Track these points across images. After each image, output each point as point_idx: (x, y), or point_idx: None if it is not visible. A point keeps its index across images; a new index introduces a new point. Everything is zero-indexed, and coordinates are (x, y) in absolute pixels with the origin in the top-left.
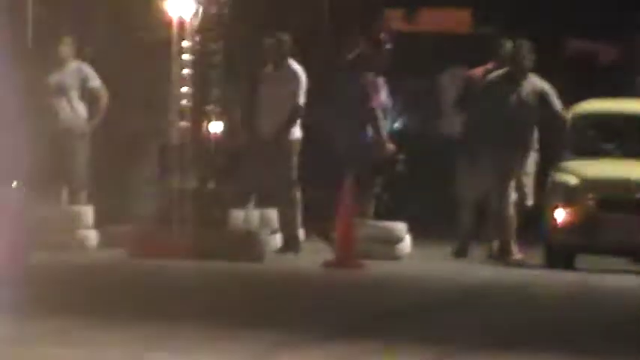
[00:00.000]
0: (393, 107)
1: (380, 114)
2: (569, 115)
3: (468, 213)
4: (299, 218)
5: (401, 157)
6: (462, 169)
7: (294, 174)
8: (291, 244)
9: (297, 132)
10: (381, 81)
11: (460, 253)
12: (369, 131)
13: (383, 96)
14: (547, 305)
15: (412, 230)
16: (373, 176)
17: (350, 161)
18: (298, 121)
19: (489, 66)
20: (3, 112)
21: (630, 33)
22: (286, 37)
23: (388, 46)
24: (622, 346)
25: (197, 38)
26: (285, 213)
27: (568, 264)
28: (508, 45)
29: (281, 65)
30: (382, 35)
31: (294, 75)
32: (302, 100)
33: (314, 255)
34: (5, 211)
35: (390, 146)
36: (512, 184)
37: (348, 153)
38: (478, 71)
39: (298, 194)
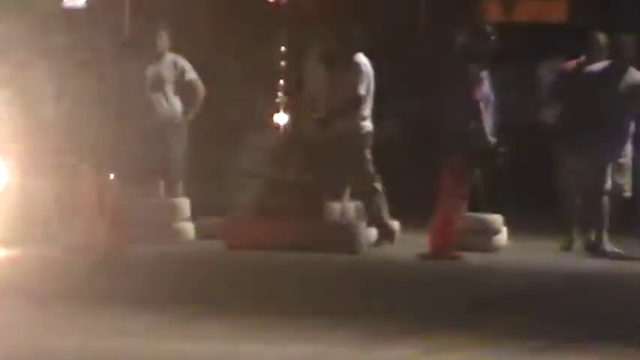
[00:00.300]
0: (496, 99)
1: (482, 106)
2: None
3: (570, 205)
4: (385, 208)
5: (502, 149)
6: (562, 160)
7: (368, 166)
8: (383, 233)
9: (366, 125)
10: (484, 73)
11: (565, 246)
12: (472, 123)
13: (486, 88)
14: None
15: (510, 223)
16: (472, 168)
17: (450, 152)
18: (366, 114)
19: (582, 59)
20: (104, 104)
21: None
22: (357, 32)
23: (493, 37)
24: None
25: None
26: (370, 205)
27: None
28: (601, 37)
29: (349, 60)
30: (488, 26)
31: (356, 67)
32: (362, 91)
33: (412, 246)
34: (105, 202)
35: (492, 139)
36: (609, 174)
37: (449, 144)
38: (571, 64)
39: (378, 185)
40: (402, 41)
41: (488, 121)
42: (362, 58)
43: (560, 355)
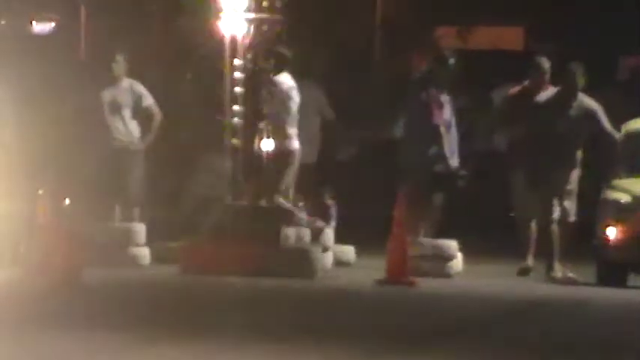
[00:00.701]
0: (459, 124)
1: (443, 130)
2: (621, 133)
3: (525, 230)
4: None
5: (463, 173)
6: (517, 186)
7: (280, 184)
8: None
9: (288, 144)
10: (445, 97)
11: (522, 272)
12: (433, 147)
13: (447, 112)
14: (595, 322)
15: (465, 247)
16: (430, 193)
17: (409, 176)
18: (289, 133)
19: (526, 84)
20: (60, 129)
21: None
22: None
23: (452, 62)
24: None
25: (248, 56)
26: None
27: (620, 281)
28: (544, 62)
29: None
30: (446, 51)
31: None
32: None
33: (368, 272)
34: (60, 228)
35: (454, 162)
36: (557, 201)
37: (408, 168)
38: (515, 90)
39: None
40: (359, 66)
41: (449, 145)
42: (281, 78)
43: None
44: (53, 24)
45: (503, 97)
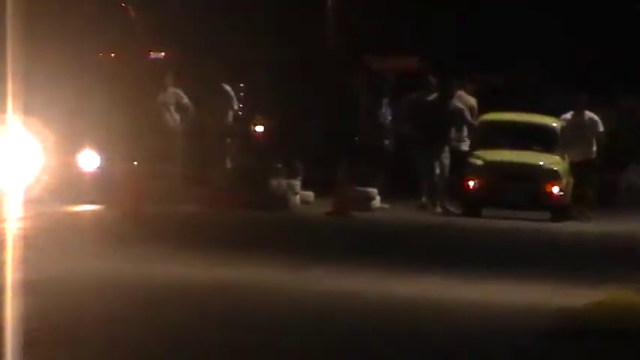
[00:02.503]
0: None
1: (382, 121)
2: (478, 121)
3: (423, 181)
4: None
5: (387, 143)
6: (416, 154)
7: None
8: None
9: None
10: (385, 101)
11: (420, 207)
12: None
13: (385, 110)
14: (457, 237)
15: (384, 193)
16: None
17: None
18: None
19: (419, 93)
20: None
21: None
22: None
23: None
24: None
25: None
26: None
27: (477, 214)
28: (431, 79)
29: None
30: (386, 74)
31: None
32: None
33: (321, 208)
34: (130, 178)
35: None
36: (437, 163)
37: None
38: (412, 97)
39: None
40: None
41: (386, 133)
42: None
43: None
44: (162, 54)
45: (406, 102)
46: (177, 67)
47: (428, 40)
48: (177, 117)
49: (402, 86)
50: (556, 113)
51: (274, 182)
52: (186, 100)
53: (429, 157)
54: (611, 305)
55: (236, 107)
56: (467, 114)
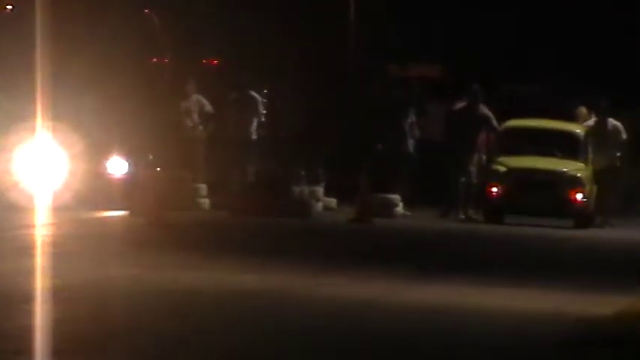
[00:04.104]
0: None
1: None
2: (501, 128)
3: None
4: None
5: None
6: (449, 161)
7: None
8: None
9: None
10: (411, 110)
11: (443, 215)
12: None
13: (411, 119)
14: (479, 244)
15: (408, 200)
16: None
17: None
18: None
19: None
20: (156, 127)
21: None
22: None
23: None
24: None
25: None
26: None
27: (500, 221)
28: (473, 87)
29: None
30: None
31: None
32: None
33: (344, 214)
34: (154, 184)
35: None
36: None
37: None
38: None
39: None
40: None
41: (410, 140)
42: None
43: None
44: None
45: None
46: (202, 74)
47: (451, 48)
48: (199, 123)
49: (426, 94)
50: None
51: (297, 189)
52: (209, 106)
53: (457, 163)
54: (632, 315)
55: (262, 113)
56: (494, 121)
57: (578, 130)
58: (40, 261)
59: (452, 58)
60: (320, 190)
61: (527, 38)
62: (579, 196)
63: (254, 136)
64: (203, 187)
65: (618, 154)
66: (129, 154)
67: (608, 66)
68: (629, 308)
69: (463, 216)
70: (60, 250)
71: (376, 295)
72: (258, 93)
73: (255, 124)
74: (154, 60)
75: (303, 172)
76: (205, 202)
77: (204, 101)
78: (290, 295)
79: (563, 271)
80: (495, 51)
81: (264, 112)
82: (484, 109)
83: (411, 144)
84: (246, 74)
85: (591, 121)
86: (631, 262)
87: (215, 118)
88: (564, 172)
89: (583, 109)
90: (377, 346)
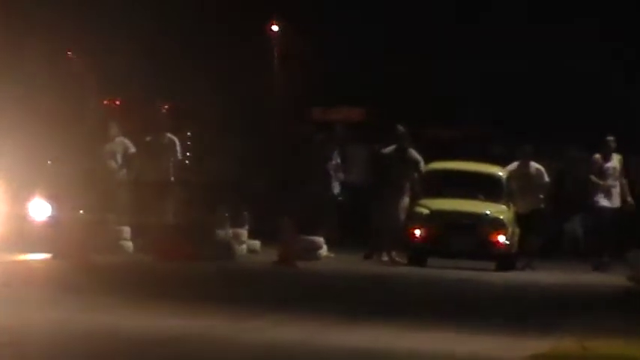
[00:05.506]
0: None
1: (332, 173)
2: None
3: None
4: None
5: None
6: (375, 204)
7: None
8: None
9: None
10: (334, 152)
11: (366, 257)
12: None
13: (335, 161)
14: (401, 287)
15: (330, 242)
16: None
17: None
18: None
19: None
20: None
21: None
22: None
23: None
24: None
25: None
26: None
27: (423, 263)
28: (399, 129)
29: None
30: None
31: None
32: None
33: (268, 257)
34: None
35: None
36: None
37: (295, 196)
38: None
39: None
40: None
41: (334, 182)
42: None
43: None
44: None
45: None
46: (124, 115)
47: (375, 91)
48: (123, 166)
49: (349, 136)
50: (503, 164)
51: (221, 232)
52: (133, 149)
53: (384, 206)
54: (553, 358)
55: (180, 157)
56: (423, 165)
57: (499, 172)
58: None
59: (374, 101)
60: (244, 232)
61: (452, 83)
62: (501, 239)
63: (173, 179)
64: (126, 230)
65: (541, 197)
66: (52, 197)
67: (533, 112)
68: (550, 351)
69: (387, 258)
70: None
71: (301, 339)
72: (181, 135)
73: (173, 166)
74: (78, 101)
75: (227, 215)
76: (129, 244)
77: (128, 143)
78: (213, 338)
79: (484, 314)
80: (418, 95)
81: (186, 154)
82: (414, 153)
83: (335, 186)
84: (162, 115)
85: (514, 165)
86: (552, 305)
87: (138, 161)
88: (486, 215)
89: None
90: None
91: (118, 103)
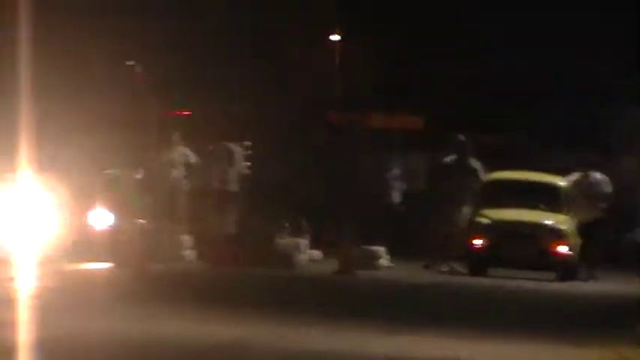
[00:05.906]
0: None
1: (392, 179)
2: (485, 180)
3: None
4: None
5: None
6: (436, 213)
7: None
8: None
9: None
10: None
11: (426, 266)
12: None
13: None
14: (461, 297)
15: (392, 252)
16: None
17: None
18: None
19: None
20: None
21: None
22: None
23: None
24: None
25: None
26: None
27: (483, 273)
28: (459, 138)
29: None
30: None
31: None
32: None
33: (329, 266)
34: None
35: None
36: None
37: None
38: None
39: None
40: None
41: (394, 189)
42: None
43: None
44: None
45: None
46: (186, 125)
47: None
48: (183, 175)
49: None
50: (562, 174)
51: (281, 241)
52: (193, 158)
53: (445, 216)
54: None
55: (240, 166)
56: (482, 174)
57: (560, 182)
58: (23, 313)
59: (430, 108)
60: (305, 242)
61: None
62: (562, 249)
63: (233, 188)
64: (187, 239)
65: (603, 206)
66: (113, 206)
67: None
68: None
69: (447, 268)
70: (43, 302)
71: (354, 347)
72: (240, 145)
73: (233, 175)
74: (141, 111)
75: (287, 224)
76: (190, 253)
77: (189, 152)
78: (268, 346)
79: (544, 324)
80: (474, 101)
81: (247, 163)
82: (474, 162)
83: (396, 195)
84: (221, 126)
85: (576, 174)
86: (613, 315)
87: (199, 170)
88: (547, 225)
89: None
90: None
91: (184, 113)
